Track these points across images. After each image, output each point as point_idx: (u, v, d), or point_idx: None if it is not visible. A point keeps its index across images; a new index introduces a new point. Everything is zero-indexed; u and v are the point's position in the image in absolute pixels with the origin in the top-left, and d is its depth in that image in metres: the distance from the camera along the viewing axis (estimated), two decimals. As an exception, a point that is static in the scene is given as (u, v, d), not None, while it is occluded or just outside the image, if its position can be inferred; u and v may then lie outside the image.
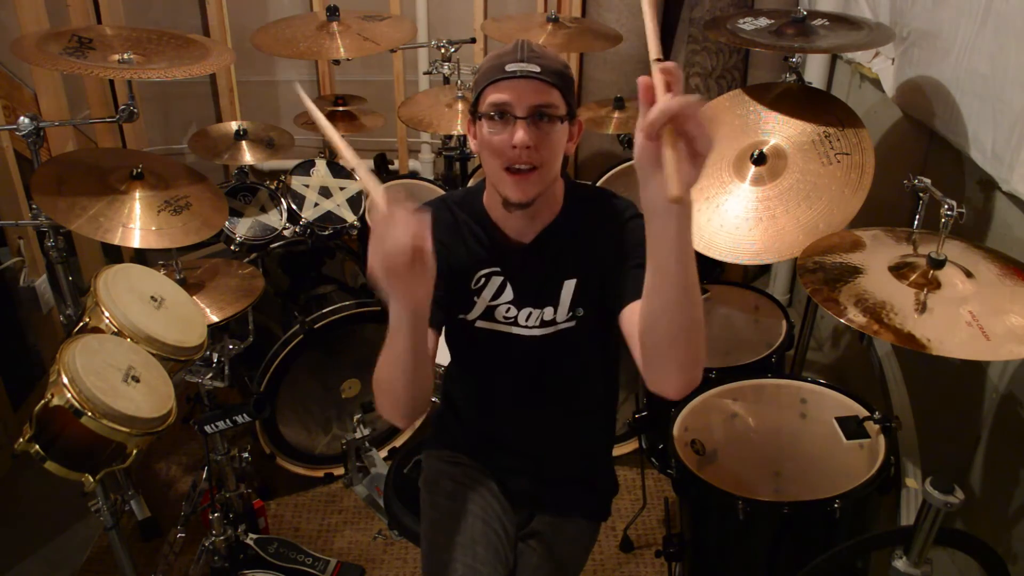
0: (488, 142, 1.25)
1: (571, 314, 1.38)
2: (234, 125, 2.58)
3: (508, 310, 1.39)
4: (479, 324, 1.41)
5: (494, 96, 1.23)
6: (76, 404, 1.39)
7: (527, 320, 1.39)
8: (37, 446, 1.42)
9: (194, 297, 2.04)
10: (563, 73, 1.26)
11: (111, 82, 3.09)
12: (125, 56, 2.01)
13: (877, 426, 1.71)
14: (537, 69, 1.22)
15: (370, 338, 2.45)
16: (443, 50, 2.73)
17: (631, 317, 1.23)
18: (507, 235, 1.37)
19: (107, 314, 1.59)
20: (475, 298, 1.39)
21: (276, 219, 2.48)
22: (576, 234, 1.36)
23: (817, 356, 2.93)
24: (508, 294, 1.38)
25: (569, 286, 1.36)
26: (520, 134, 1.21)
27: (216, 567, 2.03)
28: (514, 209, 1.30)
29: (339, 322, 2.34)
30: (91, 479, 1.46)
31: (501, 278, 1.38)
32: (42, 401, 1.42)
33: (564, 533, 1.53)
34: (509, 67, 1.22)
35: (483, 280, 1.38)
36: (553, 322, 1.39)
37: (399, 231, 0.99)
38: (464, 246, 1.39)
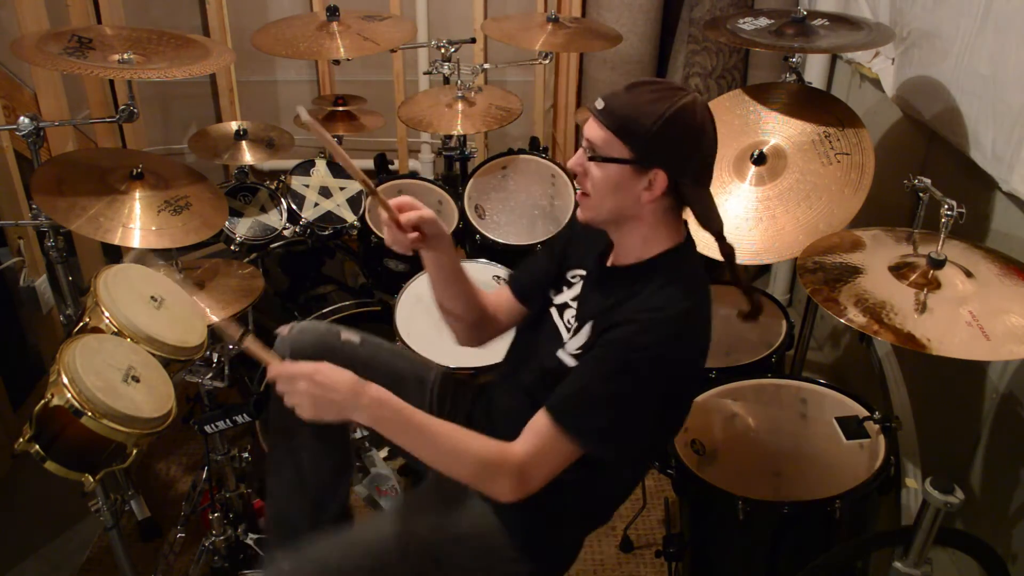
0: None
1: (579, 352, 1.35)
2: (234, 125, 2.58)
3: (573, 317, 1.42)
4: (552, 310, 1.47)
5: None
6: (76, 404, 1.39)
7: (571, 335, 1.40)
8: (37, 446, 1.42)
9: (194, 297, 2.04)
10: (629, 118, 1.24)
11: (111, 82, 3.08)
12: (125, 56, 2.01)
13: (877, 426, 1.71)
14: (600, 107, 1.27)
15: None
16: (443, 50, 2.73)
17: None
18: (607, 253, 1.42)
19: (107, 314, 1.59)
20: (563, 287, 1.47)
21: (276, 219, 2.48)
22: (624, 289, 1.34)
23: (817, 356, 2.93)
24: (576, 306, 1.43)
25: (588, 327, 1.35)
26: (572, 158, 1.32)
27: (216, 567, 2.03)
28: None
29: (339, 322, 2.33)
30: (91, 479, 1.46)
31: (582, 286, 1.44)
32: (42, 401, 1.41)
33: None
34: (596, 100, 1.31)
35: (576, 279, 1.46)
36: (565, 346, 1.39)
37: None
38: (583, 244, 1.48)
